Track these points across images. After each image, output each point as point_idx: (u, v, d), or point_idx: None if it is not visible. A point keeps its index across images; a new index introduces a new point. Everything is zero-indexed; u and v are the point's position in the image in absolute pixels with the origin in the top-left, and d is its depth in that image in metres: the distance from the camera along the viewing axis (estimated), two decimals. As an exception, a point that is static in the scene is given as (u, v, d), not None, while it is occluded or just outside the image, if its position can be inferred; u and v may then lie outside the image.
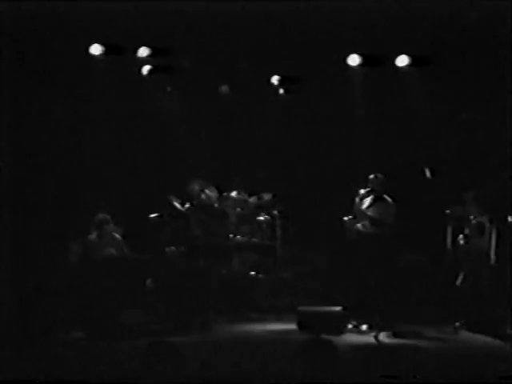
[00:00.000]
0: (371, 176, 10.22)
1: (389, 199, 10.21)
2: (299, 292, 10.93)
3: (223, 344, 8.91)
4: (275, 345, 8.87)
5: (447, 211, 9.94)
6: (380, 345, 8.93)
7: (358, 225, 10.22)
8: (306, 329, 9.26)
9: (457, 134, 11.20)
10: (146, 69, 11.50)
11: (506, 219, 9.62)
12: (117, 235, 10.11)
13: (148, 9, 9.96)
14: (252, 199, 11.43)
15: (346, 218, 10.25)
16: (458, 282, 9.83)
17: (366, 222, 10.18)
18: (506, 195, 9.73)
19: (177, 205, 11.14)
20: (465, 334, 9.45)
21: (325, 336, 8.78)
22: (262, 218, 11.32)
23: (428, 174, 10.32)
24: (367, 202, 10.25)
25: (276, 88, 11.93)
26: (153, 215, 10.96)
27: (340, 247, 10.76)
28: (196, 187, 11.30)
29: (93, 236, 9.98)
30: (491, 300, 9.44)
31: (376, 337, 9.12)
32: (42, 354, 8.25)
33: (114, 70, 11.13)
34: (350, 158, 11.71)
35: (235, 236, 11.19)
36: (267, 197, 11.41)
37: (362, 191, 10.22)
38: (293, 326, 9.57)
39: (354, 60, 11.24)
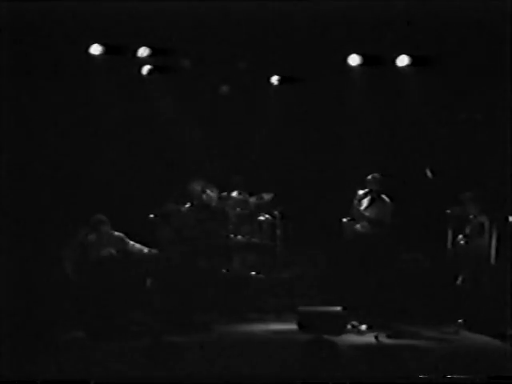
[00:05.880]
0: (369, 177, 10.24)
1: (387, 199, 10.21)
2: (299, 292, 10.92)
3: (223, 344, 8.92)
4: (275, 345, 8.88)
5: (447, 211, 9.96)
6: (380, 345, 8.92)
7: (357, 225, 10.23)
8: (306, 329, 9.27)
9: (457, 134, 11.19)
10: (145, 69, 11.50)
11: (506, 219, 9.63)
12: (118, 233, 10.12)
13: (148, 9, 9.96)
14: (252, 199, 11.42)
15: (344, 220, 10.26)
16: (458, 281, 9.84)
17: (365, 223, 10.19)
18: (506, 195, 9.73)
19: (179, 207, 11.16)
20: (465, 334, 9.46)
21: (325, 336, 8.79)
22: (262, 217, 11.32)
23: (429, 173, 10.32)
24: (365, 202, 10.26)
25: (276, 88, 11.93)
26: (152, 215, 10.97)
27: (340, 247, 10.76)
28: (196, 187, 11.29)
29: (93, 236, 9.99)
30: (491, 300, 9.44)
31: (376, 337, 9.12)
32: (42, 353, 8.25)
33: (114, 70, 11.13)
34: (351, 158, 11.70)
35: (235, 236, 11.17)
36: (267, 197, 11.40)
37: (360, 192, 10.24)
38: (293, 326, 9.58)
39: (354, 60, 11.24)
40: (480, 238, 9.68)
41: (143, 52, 11.04)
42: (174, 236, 11.01)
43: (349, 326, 9.54)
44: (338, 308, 9.53)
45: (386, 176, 10.32)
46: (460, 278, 9.82)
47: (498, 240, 9.55)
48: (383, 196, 10.24)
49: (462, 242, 9.84)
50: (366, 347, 8.75)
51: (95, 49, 10.82)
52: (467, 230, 9.85)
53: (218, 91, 11.95)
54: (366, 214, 10.19)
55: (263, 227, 11.30)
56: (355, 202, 10.24)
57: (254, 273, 11.15)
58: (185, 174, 11.43)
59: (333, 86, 11.54)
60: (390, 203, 10.21)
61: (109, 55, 10.89)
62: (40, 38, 10.32)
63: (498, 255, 9.53)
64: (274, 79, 11.86)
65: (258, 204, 11.39)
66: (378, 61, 11.18)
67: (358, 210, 10.23)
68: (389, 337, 9.21)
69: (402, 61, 11.15)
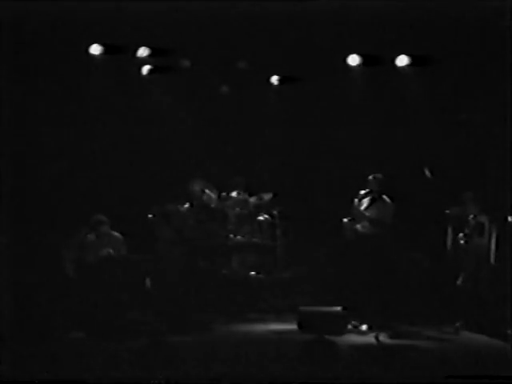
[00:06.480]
0: (370, 177, 10.23)
1: (387, 199, 10.20)
2: (299, 292, 10.92)
3: (223, 344, 8.91)
4: (275, 345, 8.87)
5: (447, 211, 9.96)
6: (380, 345, 8.92)
7: (358, 225, 10.22)
8: (307, 329, 9.27)
9: (457, 134, 11.19)
10: (145, 69, 11.50)
11: (506, 219, 9.62)
12: (116, 234, 10.12)
13: (148, 9, 9.96)
14: (252, 199, 11.43)
15: (345, 220, 10.26)
16: (459, 281, 9.84)
17: (366, 223, 10.18)
18: (506, 195, 9.72)
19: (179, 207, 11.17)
20: (465, 334, 9.46)
21: (325, 336, 8.78)
22: (262, 217, 11.32)
23: (428, 173, 10.32)
24: (366, 202, 10.25)
25: (276, 88, 11.93)
26: (152, 215, 10.97)
27: (340, 247, 10.76)
28: (196, 187, 11.29)
29: (92, 236, 10.00)
30: (491, 300, 9.44)
31: (376, 337, 9.12)
32: (42, 353, 8.25)
33: (113, 70, 11.13)
34: (351, 158, 11.70)
35: (235, 236, 11.18)
36: (267, 197, 11.41)
37: (362, 192, 10.23)
38: (293, 326, 9.57)
39: (354, 60, 11.25)
40: (480, 237, 9.68)
41: (143, 52, 11.04)
42: (174, 236, 11.01)
43: (349, 326, 9.54)
44: (338, 308, 9.52)
45: (385, 176, 10.32)
46: (460, 278, 9.83)
47: (498, 240, 9.55)
48: (384, 196, 10.23)
49: (461, 242, 9.84)
50: (366, 347, 8.75)
51: (95, 49, 10.83)
52: (467, 230, 9.84)
53: (218, 91, 11.96)
54: (367, 214, 10.18)
55: (263, 227, 11.31)
56: (356, 201, 10.24)
57: (253, 273, 11.15)
58: (185, 174, 11.43)
59: (333, 85, 11.54)
60: (391, 203, 10.20)
61: (109, 55, 10.89)
62: (40, 38, 10.31)
63: (497, 255, 9.53)
64: (274, 79, 11.87)
65: (258, 204, 11.40)
66: (377, 61, 11.19)
67: (359, 210, 10.22)
68: (389, 337, 9.21)
69: (402, 61, 11.15)
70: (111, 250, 9.96)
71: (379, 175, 10.24)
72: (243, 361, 8.05)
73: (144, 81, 11.59)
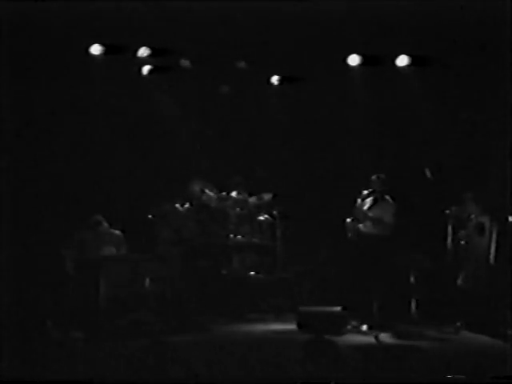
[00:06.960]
0: (373, 177, 10.23)
1: (390, 200, 10.21)
2: (299, 292, 10.92)
3: (223, 344, 8.91)
4: (275, 345, 8.87)
5: (447, 211, 9.96)
6: (380, 345, 8.92)
7: (360, 225, 10.23)
8: (306, 329, 9.27)
9: (457, 134, 11.19)
10: (146, 69, 11.51)
11: (506, 219, 9.62)
12: (117, 232, 10.14)
13: (148, 9, 9.96)
14: (252, 199, 11.42)
15: (348, 220, 10.26)
16: (459, 281, 9.83)
17: (368, 223, 10.18)
18: (506, 195, 9.72)
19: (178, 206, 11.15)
20: (465, 334, 9.45)
21: (325, 336, 8.78)
22: (262, 217, 11.32)
23: (428, 174, 10.32)
24: (368, 202, 10.25)
25: (276, 88, 11.93)
26: (152, 215, 10.96)
27: (341, 247, 10.76)
28: (196, 187, 11.29)
29: (93, 235, 10.00)
30: (491, 300, 9.44)
31: (376, 337, 9.12)
32: (41, 354, 8.25)
33: (114, 70, 11.13)
34: (350, 158, 11.71)
35: (235, 236, 11.18)
36: (267, 197, 11.40)
37: (365, 192, 10.23)
38: (293, 326, 9.58)
39: (354, 60, 11.25)
40: (480, 237, 9.68)
41: (143, 52, 11.04)
42: (174, 236, 11.01)
43: (349, 326, 9.54)
44: (338, 308, 9.53)
45: (387, 176, 10.32)
46: (460, 278, 9.82)
47: (498, 240, 9.54)
48: (386, 196, 10.23)
49: (462, 242, 9.84)
50: (366, 347, 8.74)
51: (95, 49, 10.83)
52: (467, 230, 9.84)
53: (218, 91, 11.96)
54: (370, 214, 10.17)
55: (263, 227, 11.31)
56: (359, 201, 10.24)
57: (253, 273, 11.15)
58: (185, 174, 11.43)
59: (333, 85, 11.54)
60: (393, 203, 10.21)
61: (109, 55, 10.89)
62: (40, 38, 10.31)
63: (497, 255, 9.52)
64: (274, 79, 11.87)
65: (258, 204, 11.39)
66: (377, 61, 11.19)
67: (362, 210, 10.22)
68: (389, 337, 9.20)
69: (402, 61, 11.16)
70: (112, 248, 9.98)
71: (382, 175, 10.25)
72: (243, 361, 8.05)
73: (144, 81, 11.59)
